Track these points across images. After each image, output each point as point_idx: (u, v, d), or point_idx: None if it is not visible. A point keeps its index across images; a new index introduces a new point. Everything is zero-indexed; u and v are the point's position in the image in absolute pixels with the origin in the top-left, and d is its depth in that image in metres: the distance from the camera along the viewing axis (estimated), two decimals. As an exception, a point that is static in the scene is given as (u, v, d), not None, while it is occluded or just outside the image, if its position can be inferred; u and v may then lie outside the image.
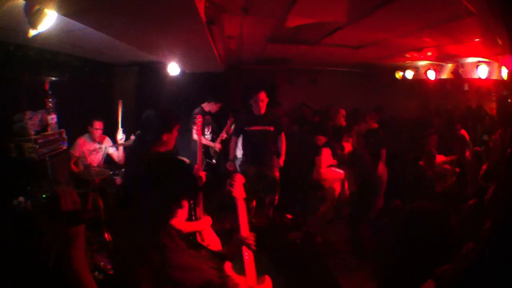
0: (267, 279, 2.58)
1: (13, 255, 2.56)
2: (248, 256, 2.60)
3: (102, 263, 4.12)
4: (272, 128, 6.31)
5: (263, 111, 6.17)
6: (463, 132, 6.10)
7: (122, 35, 4.62)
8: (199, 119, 4.93)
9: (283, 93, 11.31)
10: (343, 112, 8.44)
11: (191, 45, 5.32)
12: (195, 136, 6.88)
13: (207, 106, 7.65)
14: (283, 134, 6.51)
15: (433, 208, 2.73)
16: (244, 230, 2.71)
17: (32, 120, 4.72)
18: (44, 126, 5.00)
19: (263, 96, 6.11)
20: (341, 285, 4.91)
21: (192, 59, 6.96)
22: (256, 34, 6.41)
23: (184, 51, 6.01)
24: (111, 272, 3.94)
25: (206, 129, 7.65)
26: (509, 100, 5.92)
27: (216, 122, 7.93)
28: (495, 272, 1.48)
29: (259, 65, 10.50)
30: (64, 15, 3.39)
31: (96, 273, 3.99)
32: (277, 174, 6.41)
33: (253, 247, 2.58)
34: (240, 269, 2.49)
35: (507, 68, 6.20)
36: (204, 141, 7.32)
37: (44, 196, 1.28)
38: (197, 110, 7.50)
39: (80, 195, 1.34)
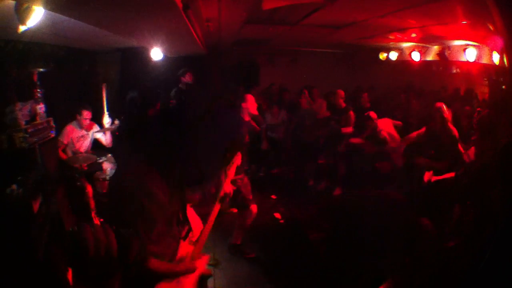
0: (205, 257, 2.76)
1: (5, 245, 2.47)
2: (207, 225, 2.78)
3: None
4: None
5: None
6: (440, 104, 6.22)
7: (102, 23, 4.75)
8: None
9: (264, 74, 11.35)
10: (342, 93, 8.39)
11: (170, 29, 5.40)
12: None
13: (185, 78, 7.83)
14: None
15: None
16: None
17: (22, 111, 4.85)
18: (33, 115, 5.14)
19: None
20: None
21: (173, 43, 7.02)
22: (234, 16, 6.38)
23: (163, 36, 6.09)
24: None
25: None
26: (503, 87, 6.06)
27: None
28: (495, 272, 1.50)
29: (239, 46, 10.47)
30: (50, 10, 3.66)
31: None
32: None
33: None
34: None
35: (497, 53, 6.18)
36: None
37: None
38: (174, 89, 7.71)
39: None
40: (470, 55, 7.46)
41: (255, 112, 5.84)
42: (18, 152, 4.60)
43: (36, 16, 3.66)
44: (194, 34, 5.95)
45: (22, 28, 3.73)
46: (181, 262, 2.52)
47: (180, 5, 4.10)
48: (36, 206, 3.98)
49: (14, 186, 3.84)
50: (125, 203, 2.09)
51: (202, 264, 2.63)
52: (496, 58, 6.45)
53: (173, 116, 2.29)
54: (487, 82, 8.28)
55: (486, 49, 7.09)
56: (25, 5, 3.48)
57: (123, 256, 0.99)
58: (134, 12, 4.11)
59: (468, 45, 7.51)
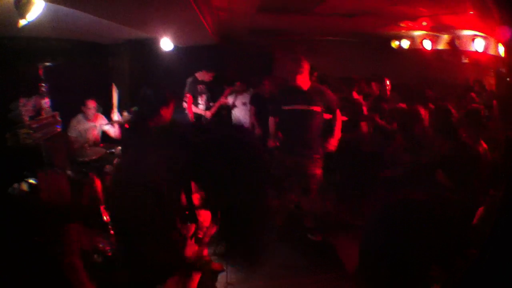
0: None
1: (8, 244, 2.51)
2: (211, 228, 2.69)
3: (101, 245, 4.18)
4: (318, 108, 5.22)
5: (304, 85, 5.24)
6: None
7: (107, 13, 4.66)
8: (189, 100, 5.02)
9: (279, 64, 11.16)
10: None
11: (179, 18, 5.34)
12: (184, 105, 7.30)
13: (200, 75, 7.75)
14: (337, 113, 5.39)
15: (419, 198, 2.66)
16: None
17: (26, 106, 4.78)
18: (38, 110, 5.05)
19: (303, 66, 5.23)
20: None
21: (183, 32, 6.94)
22: (245, 4, 6.41)
23: (173, 25, 6.02)
24: (110, 254, 4.03)
25: (199, 98, 7.74)
26: (508, 79, 5.90)
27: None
28: (495, 272, 1.46)
29: (252, 36, 10.42)
30: (51, 1, 3.61)
31: (96, 255, 4.06)
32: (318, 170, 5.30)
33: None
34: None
35: (502, 44, 6.00)
36: (195, 110, 7.59)
37: (29, 181, 1.07)
38: (190, 79, 7.68)
39: (73, 183, 1.10)
40: (479, 45, 7.43)
41: None
42: (23, 149, 4.52)
43: (37, 9, 3.60)
44: (204, 22, 5.81)
45: (22, 22, 3.64)
46: (191, 258, 2.48)
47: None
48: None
49: (16, 185, 3.73)
50: (131, 198, 1.98)
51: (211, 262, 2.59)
52: (502, 49, 6.42)
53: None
54: (493, 73, 8.26)
55: (492, 40, 7.07)
56: None
57: (77, 199, 1.04)
58: (140, 0, 3.96)
59: (476, 35, 7.49)
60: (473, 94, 7.40)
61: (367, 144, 6.55)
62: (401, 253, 2.44)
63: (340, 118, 5.43)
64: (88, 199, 1.01)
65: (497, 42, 6.71)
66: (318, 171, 5.28)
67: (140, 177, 2.01)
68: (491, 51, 7.26)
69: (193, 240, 2.49)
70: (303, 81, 5.19)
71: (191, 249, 2.48)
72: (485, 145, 4.32)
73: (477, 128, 4.48)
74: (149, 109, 3.85)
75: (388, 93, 7.96)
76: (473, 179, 4.17)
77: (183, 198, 2.31)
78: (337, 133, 5.41)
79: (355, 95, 7.29)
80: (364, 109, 6.84)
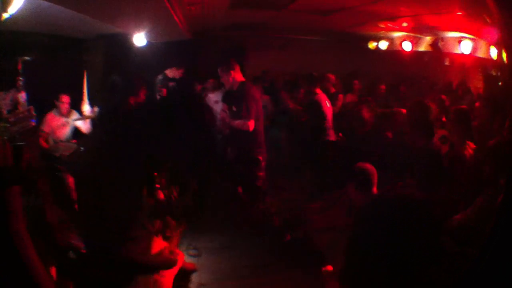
0: (182, 255, 2.72)
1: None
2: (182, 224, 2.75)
3: (75, 242, 4.26)
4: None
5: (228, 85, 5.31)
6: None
7: (81, 7, 4.67)
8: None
9: (250, 60, 11.22)
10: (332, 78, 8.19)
11: (150, 14, 5.37)
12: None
13: (170, 72, 7.72)
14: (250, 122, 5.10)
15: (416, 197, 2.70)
16: None
17: (4, 100, 4.83)
18: (15, 104, 5.10)
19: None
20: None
21: (155, 28, 6.93)
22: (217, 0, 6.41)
23: (144, 21, 6.05)
24: (84, 251, 4.11)
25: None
26: (500, 83, 5.97)
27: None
28: (495, 272, 1.49)
29: (224, 31, 10.30)
30: None
31: (70, 253, 4.13)
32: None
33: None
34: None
35: (495, 47, 6.01)
36: None
37: None
38: (160, 76, 7.61)
39: (15, 148, 1.19)
40: (465, 47, 7.29)
41: None
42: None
43: (17, 2, 3.69)
44: (176, 18, 5.88)
45: (4, 15, 3.72)
46: (160, 255, 2.50)
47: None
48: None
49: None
50: (93, 192, 2.05)
51: (181, 258, 2.62)
52: (493, 52, 6.25)
53: (159, 108, 2.24)
54: (481, 76, 8.06)
55: (482, 42, 6.92)
56: None
57: (17, 163, 1.15)
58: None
59: (463, 37, 7.34)
60: (443, 97, 7.06)
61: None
62: (396, 252, 2.34)
63: (241, 123, 5.15)
64: (27, 164, 1.13)
65: (488, 44, 6.55)
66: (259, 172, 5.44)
67: (100, 168, 2.05)
68: (479, 53, 7.09)
69: (160, 236, 2.55)
70: (226, 79, 5.25)
71: (158, 245, 2.55)
72: (472, 146, 4.22)
73: (464, 129, 4.38)
74: (118, 97, 3.77)
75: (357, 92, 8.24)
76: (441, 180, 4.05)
77: (145, 191, 2.39)
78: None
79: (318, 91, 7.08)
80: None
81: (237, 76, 5.27)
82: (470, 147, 4.20)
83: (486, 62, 7.04)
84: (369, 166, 3.51)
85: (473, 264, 1.58)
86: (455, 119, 4.54)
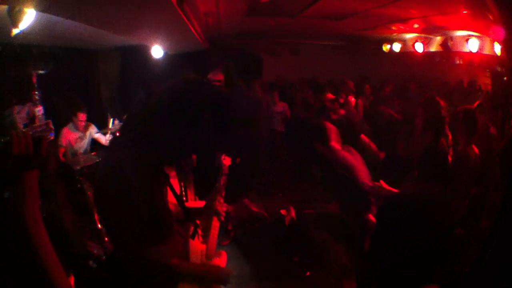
0: (224, 254, 2.65)
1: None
2: (215, 226, 2.64)
3: (95, 251, 4.25)
4: None
5: None
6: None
7: (95, 21, 4.69)
8: None
9: (265, 66, 11.18)
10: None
11: (166, 25, 5.38)
12: None
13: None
14: None
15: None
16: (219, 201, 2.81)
17: (20, 114, 4.86)
18: (32, 118, 5.13)
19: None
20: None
21: (171, 39, 6.96)
22: (233, 9, 6.39)
23: (160, 32, 6.06)
24: (104, 259, 4.09)
25: None
26: (504, 78, 5.90)
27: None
28: (495, 272, 1.49)
29: (240, 39, 10.37)
30: (42, 11, 3.71)
31: (90, 262, 4.11)
32: None
33: (222, 218, 2.70)
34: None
35: (499, 43, 6.05)
36: None
37: (1, 141, 1.27)
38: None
39: (34, 139, 1.34)
40: (472, 45, 7.37)
41: None
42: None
43: (28, 18, 3.75)
44: (192, 28, 5.88)
45: (15, 31, 3.76)
46: (204, 263, 2.43)
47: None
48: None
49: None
50: (116, 199, 2.00)
51: (222, 262, 2.56)
52: (497, 48, 6.37)
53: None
54: (489, 73, 8.09)
55: (487, 40, 7.00)
56: (17, 8, 3.49)
57: (37, 150, 1.30)
58: (127, 8, 4.08)
59: (470, 35, 7.43)
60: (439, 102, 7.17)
61: None
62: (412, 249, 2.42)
63: None
64: (46, 151, 1.36)
65: (492, 41, 6.67)
66: None
67: (124, 177, 2.01)
68: (486, 51, 7.18)
69: (195, 239, 2.46)
70: None
71: (195, 248, 2.46)
72: (476, 150, 4.21)
73: (469, 130, 4.35)
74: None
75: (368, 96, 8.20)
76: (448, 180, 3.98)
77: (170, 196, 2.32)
78: None
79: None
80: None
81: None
82: (475, 148, 4.21)
83: (493, 59, 7.10)
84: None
85: (473, 264, 1.58)
86: (462, 119, 4.48)
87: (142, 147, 2.01)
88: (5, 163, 1.24)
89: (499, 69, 7.03)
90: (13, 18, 3.65)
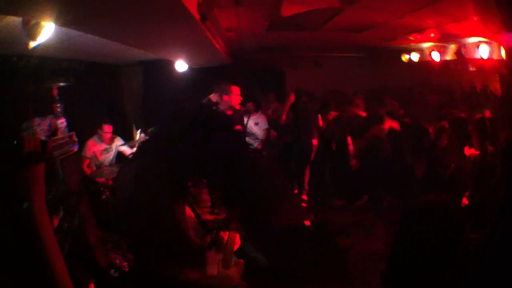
0: (241, 263, 2.61)
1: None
2: (232, 236, 2.64)
3: (117, 261, 4.26)
4: None
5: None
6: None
7: (116, 36, 4.74)
8: None
9: (288, 79, 11.22)
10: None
11: (190, 41, 5.44)
12: None
13: (214, 97, 7.75)
14: None
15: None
16: None
17: (40, 126, 4.86)
18: (54, 130, 5.15)
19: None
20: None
21: (195, 54, 7.06)
22: (255, 24, 6.52)
23: (184, 48, 6.14)
24: (127, 269, 4.08)
25: None
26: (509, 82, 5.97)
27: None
28: (495, 272, 1.49)
29: (262, 53, 10.48)
30: (61, 25, 3.63)
31: (112, 271, 4.11)
32: None
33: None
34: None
35: (504, 47, 6.06)
36: None
37: (15, 142, 1.35)
38: (205, 101, 7.62)
39: (41, 141, 1.43)
40: (483, 51, 7.51)
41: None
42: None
43: (47, 31, 3.66)
44: (216, 44, 5.93)
45: (32, 44, 3.73)
46: (216, 274, 2.39)
47: (197, 16, 4.04)
48: (56, 221, 3.93)
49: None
50: (138, 213, 2.03)
51: (237, 272, 2.52)
52: (503, 52, 6.42)
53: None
54: (498, 78, 8.04)
55: (496, 44, 7.13)
56: (33, 21, 3.46)
57: (44, 149, 1.35)
58: (149, 24, 4.09)
59: (480, 41, 7.56)
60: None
61: None
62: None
63: None
64: (51, 150, 1.52)
65: (499, 46, 6.80)
66: None
67: (147, 193, 2.03)
68: (495, 56, 7.31)
69: (213, 249, 2.43)
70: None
71: (212, 258, 2.44)
72: (466, 153, 4.31)
73: (461, 138, 4.48)
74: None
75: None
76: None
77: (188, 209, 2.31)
78: None
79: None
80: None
81: None
82: (491, 154, 4.19)
83: (501, 63, 7.15)
84: None
85: (473, 264, 1.58)
86: (476, 128, 4.52)
87: (170, 162, 2.03)
88: (18, 157, 1.34)
89: (505, 73, 7.02)
90: (30, 31, 3.55)
